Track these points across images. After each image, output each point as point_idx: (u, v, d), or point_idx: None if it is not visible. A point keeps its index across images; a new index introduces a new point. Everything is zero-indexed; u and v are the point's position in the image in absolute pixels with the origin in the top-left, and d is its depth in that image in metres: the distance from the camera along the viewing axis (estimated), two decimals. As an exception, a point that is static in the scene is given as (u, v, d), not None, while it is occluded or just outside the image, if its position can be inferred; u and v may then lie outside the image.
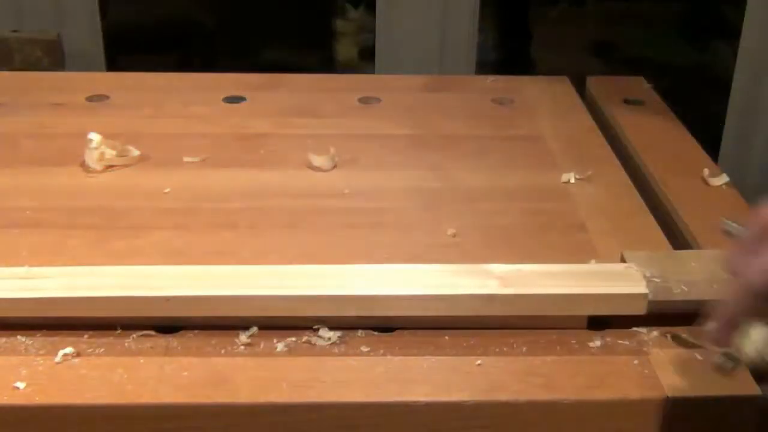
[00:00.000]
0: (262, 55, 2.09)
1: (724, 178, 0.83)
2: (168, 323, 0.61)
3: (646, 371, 0.58)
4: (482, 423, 0.56)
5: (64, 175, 0.84)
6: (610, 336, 0.62)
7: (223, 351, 0.59)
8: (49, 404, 0.55)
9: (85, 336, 0.60)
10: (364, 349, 0.60)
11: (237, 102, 1.03)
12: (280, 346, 0.60)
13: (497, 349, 0.60)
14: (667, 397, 0.56)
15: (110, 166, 0.85)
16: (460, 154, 0.90)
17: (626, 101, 1.03)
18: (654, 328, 0.62)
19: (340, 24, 2.21)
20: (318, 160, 0.86)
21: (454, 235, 0.74)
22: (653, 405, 0.56)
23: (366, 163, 0.88)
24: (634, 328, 0.62)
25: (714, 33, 2.18)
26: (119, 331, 0.61)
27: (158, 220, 0.76)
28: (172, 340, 0.60)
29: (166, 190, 0.81)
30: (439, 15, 1.60)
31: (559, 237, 0.75)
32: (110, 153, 0.86)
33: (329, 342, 0.60)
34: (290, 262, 0.68)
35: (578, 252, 0.72)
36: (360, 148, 0.91)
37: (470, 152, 0.91)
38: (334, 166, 0.87)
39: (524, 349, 0.60)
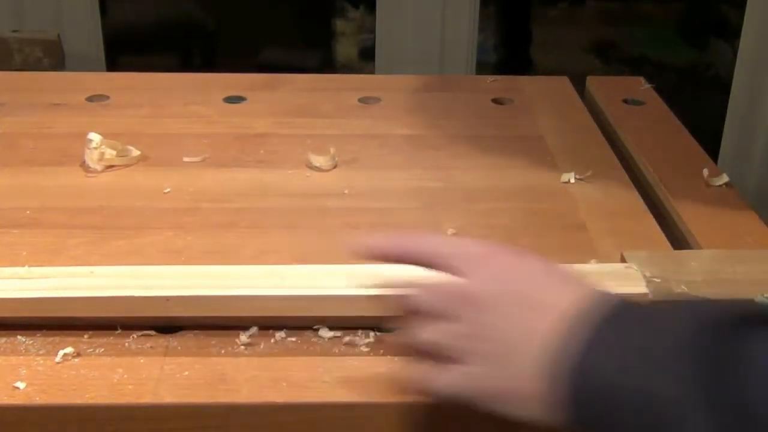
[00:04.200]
0: (262, 55, 2.09)
1: (724, 178, 0.83)
2: (168, 323, 0.61)
3: (646, 371, 0.58)
4: (482, 423, 0.56)
5: (64, 175, 0.84)
6: (610, 336, 0.62)
7: (223, 351, 0.59)
8: (49, 404, 0.54)
9: (85, 336, 0.60)
10: (364, 349, 0.60)
11: (237, 102, 1.03)
12: (280, 346, 0.60)
13: (497, 349, 0.60)
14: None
15: (110, 166, 0.85)
16: (460, 154, 0.90)
17: (626, 101, 1.03)
18: (654, 328, 0.62)
19: (340, 24, 2.21)
20: (318, 160, 0.86)
21: (454, 235, 0.74)
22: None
23: (366, 163, 0.88)
24: (634, 328, 0.62)
25: (714, 33, 2.18)
26: (119, 331, 0.61)
27: (158, 220, 0.76)
28: (172, 340, 0.60)
29: (166, 190, 0.81)
30: (439, 15, 1.60)
31: (559, 237, 0.75)
32: (110, 153, 0.86)
33: (329, 342, 0.60)
34: (290, 262, 0.68)
35: (578, 252, 0.72)
36: (360, 148, 0.91)
37: (470, 152, 0.91)
38: (334, 166, 0.87)
39: (524, 349, 0.60)
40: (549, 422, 0.47)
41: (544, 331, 0.47)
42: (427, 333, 0.52)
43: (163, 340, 0.60)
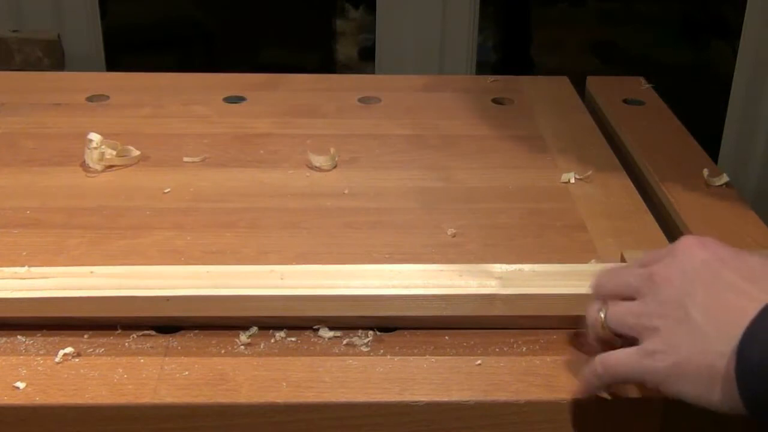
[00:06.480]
0: (262, 55, 2.09)
1: (724, 178, 0.83)
2: (168, 323, 0.61)
3: (646, 371, 0.58)
4: (482, 423, 0.56)
5: (64, 175, 0.84)
6: (610, 336, 0.62)
7: (223, 351, 0.59)
8: (49, 404, 0.55)
9: (85, 336, 0.60)
10: (364, 349, 0.60)
11: (237, 102, 1.03)
12: (280, 346, 0.60)
13: (497, 349, 0.60)
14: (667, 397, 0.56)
15: (110, 166, 0.85)
16: (460, 154, 0.90)
17: (626, 101, 1.03)
18: (654, 328, 0.62)
19: (340, 24, 2.21)
20: (318, 160, 0.86)
21: (454, 235, 0.74)
22: (653, 405, 0.56)
23: (366, 163, 0.88)
24: (634, 328, 0.62)
25: (714, 33, 2.18)
26: (119, 331, 0.61)
27: (158, 220, 0.76)
28: (172, 340, 0.60)
29: (166, 190, 0.81)
30: (439, 15, 1.60)
31: (559, 237, 0.75)
32: (110, 153, 0.86)
33: (329, 342, 0.60)
34: (290, 262, 0.68)
35: (578, 252, 0.72)
36: (360, 148, 0.91)
37: (470, 152, 0.91)
38: (334, 166, 0.87)
39: (524, 349, 0.60)
40: (714, 404, 0.48)
41: (747, 310, 0.46)
42: (613, 312, 0.53)
43: (163, 340, 0.60)
